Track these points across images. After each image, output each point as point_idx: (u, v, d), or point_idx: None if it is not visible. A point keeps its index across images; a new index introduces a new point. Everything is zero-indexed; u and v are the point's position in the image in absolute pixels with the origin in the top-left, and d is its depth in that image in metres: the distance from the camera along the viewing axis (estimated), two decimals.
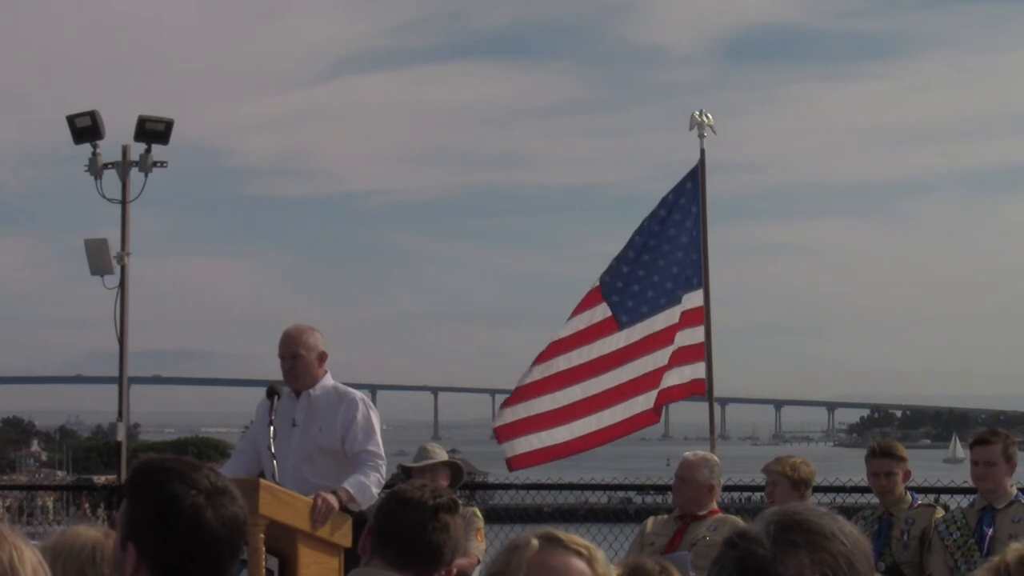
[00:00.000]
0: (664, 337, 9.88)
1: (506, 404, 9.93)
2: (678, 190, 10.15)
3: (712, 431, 10.15)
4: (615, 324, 9.85)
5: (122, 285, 14.75)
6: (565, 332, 9.87)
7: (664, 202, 10.11)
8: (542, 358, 9.81)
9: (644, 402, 9.84)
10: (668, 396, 10.04)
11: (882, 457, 7.59)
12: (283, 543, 6.40)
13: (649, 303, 9.88)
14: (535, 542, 2.80)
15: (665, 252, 9.99)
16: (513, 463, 9.87)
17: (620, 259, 9.99)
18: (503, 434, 9.78)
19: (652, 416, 9.90)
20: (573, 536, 2.87)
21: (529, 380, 9.76)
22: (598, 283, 9.98)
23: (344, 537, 6.74)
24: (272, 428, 7.37)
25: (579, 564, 2.83)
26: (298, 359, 7.59)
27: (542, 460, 9.87)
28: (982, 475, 7.28)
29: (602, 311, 9.86)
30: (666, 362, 9.84)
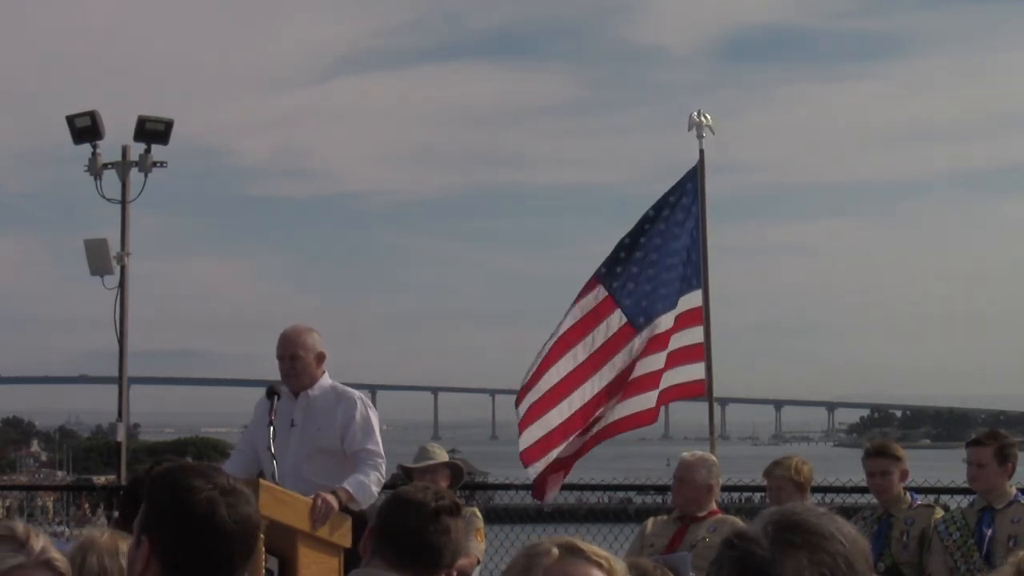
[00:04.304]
0: (664, 339, 9.86)
1: (524, 423, 9.51)
2: (678, 190, 10.14)
3: (712, 431, 10.14)
4: (633, 330, 9.72)
5: (122, 285, 14.75)
6: (566, 325, 9.72)
7: (665, 202, 10.09)
8: (548, 362, 9.64)
9: (645, 401, 9.80)
10: (667, 396, 10.04)
11: (876, 457, 7.60)
12: (283, 543, 6.40)
13: (663, 301, 9.86)
14: (555, 551, 2.77)
15: (673, 251, 9.99)
16: (537, 490, 9.61)
17: (628, 260, 9.88)
18: (529, 458, 9.57)
19: (652, 415, 9.86)
20: (593, 546, 2.82)
21: (541, 391, 9.58)
22: (594, 276, 9.88)
23: (344, 537, 6.74)
24: (272, 428, 7.36)
25: (598, 575, 2.78)
26: (296, 360, 7.58)
27: (562, 471, 9.68)
28: (973, 476, 7.32)
29: (617, 319, 9.72)
30: (662, 365, 9.81)
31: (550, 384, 9.52)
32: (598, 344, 9.66)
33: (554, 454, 9.45)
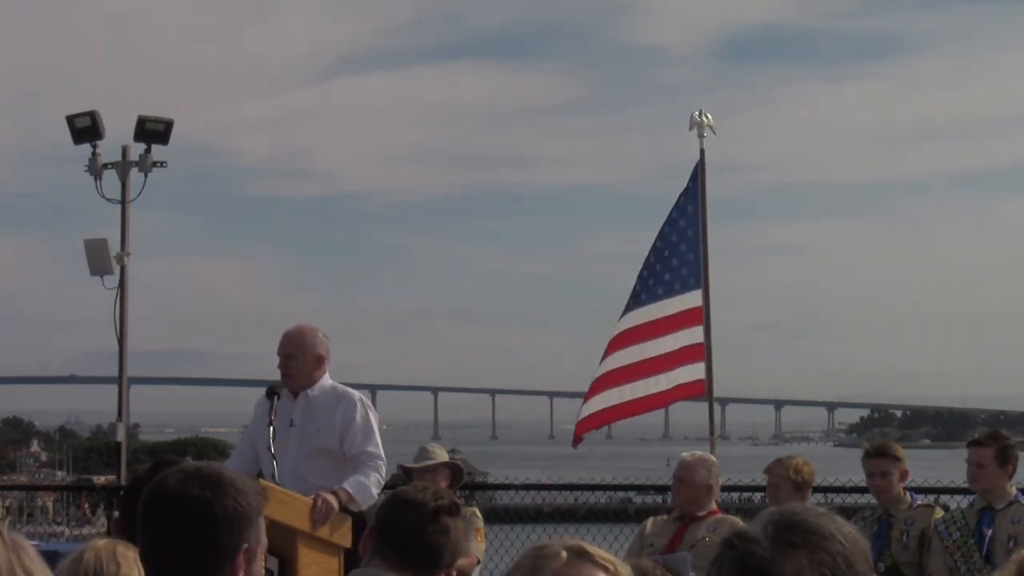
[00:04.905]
0: (660, 327, 9.95)
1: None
2: (685, 192, 10.22)
3: (712, 431, 10.15)
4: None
5: (122, 285, 14.75)
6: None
7: (677, 203, 10.21)
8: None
9: (656, 384, 9.93)
10: (668, 396, 10.06)
11: (876, 457, 7.59)
12: (283, 543, 6.40)
13: (649, 292, 10.02)
14: (564, 554, 2.78)
15: (660, 253, 10.05)
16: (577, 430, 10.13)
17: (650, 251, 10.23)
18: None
19: (666, 398, 10.03)
20: (599, 549, 2.82)
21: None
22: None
23: (344, 537, 6.74)
24: (272, 428, 7.36)
25: None
26: (292, 360, 7.57)
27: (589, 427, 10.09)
28: (972, 476, 7.33)
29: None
30: (654, 354, 9.95)
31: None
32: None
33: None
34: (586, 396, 10.16)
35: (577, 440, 10.19)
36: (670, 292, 10.01)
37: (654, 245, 10.12)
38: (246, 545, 3.04)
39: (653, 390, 9.95)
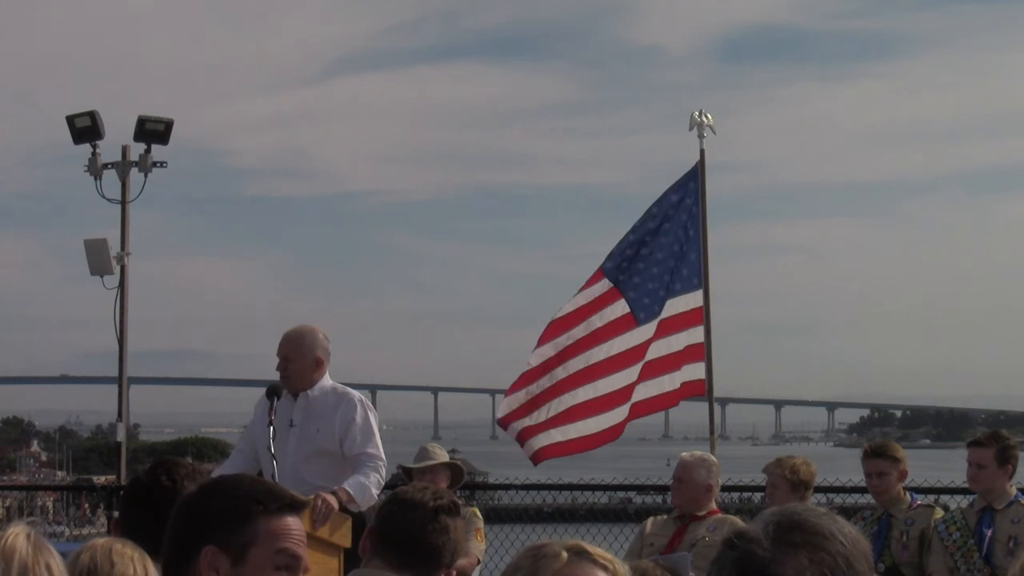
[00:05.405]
0: (660, 331, 9.92)
1: (512, 389, 9.81)
2: (679, 189, 10.16)
3: (712, 431, 10.15)
4: (634, 321, 9.84)
5: (122, 285, 14.75)
6: (568, 308, 9.86)
7: (668, 200, 10.12)
8: (544, 339, 9.83)
9: (640, 392, 9.88)
10: (668, 399, 10.05)
11: (874, 457, 7.59)
12: None
13: (660, 302, 9.93)
14: (564, 554, 2.78)
15: (670, 251, 10.02)
16: (539, 456, 9.79)
17: (633, 256, 9.98)
18: (509, 421, 9.75)
19: (640, 409, 9.94)
20: (598, 548, 2.83)
21: (535, 363, 9.76)
22: (599, 269, 9.99)
23: (344, 537, 6.73)
24: (272, 428, 7.35)
25: None
26: (290, 362, 7.56)
27: (566, 452, 9.86)
28: (972, 476, 7.33)
29: (621, 307, 9.85)
30: (658, 355, 9.89)
31: (543, 358, 9.71)
32: (593, 327, 9.80)
33: (557, 434, 9.62)
34: (565, 419, 9.66)
35: (536, 456, 9.85)
36: (684, 289, 10.01)
37: (670, 248, 10.03)
38: (210, 547, 2.97)
39: (656, 392, 9.92)
